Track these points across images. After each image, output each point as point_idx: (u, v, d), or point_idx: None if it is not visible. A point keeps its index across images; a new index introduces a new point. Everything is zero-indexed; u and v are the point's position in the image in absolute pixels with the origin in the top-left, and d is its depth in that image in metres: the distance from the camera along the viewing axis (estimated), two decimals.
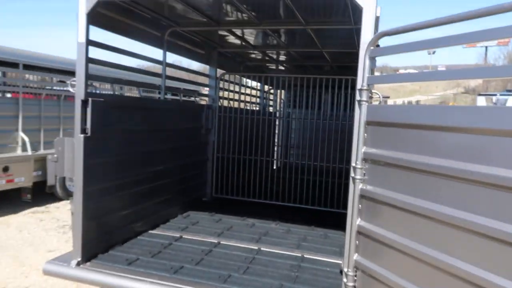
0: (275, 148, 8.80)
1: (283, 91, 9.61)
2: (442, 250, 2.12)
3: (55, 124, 8.51)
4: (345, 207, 5.47)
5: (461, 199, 2.04)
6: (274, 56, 7.06)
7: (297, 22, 4.39)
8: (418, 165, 2.29)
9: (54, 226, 6.98)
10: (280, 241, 4.23)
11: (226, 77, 6.50)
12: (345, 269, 2.80)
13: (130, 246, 3.94)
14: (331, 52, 6.08)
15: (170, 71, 5.16)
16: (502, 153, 1.87)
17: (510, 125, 1.83)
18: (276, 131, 8.64)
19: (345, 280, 2.82)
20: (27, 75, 8.46)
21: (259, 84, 8.91)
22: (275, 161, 8.77)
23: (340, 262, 3.43)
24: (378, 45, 2.77)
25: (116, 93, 9.56)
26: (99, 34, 3.67)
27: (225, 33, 5.34)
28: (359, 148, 2.72)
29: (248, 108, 7.19)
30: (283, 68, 8.29)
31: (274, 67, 8.31)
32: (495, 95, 19.76)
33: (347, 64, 7.08)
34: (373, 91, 2.78)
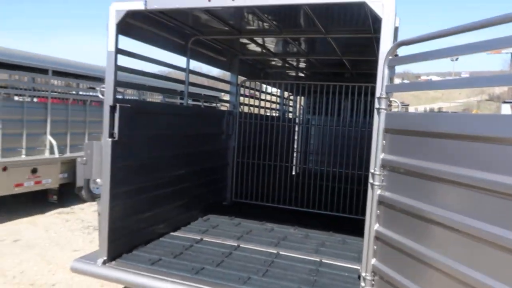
0: (294, 154, 8.86)
1: (302, 97, 9.68)
2: (461, 260, 2.08)
3: (81, 128, 8.80)
4: (363, 213, 5.50)
5: (482, 210, 1.98)
6: (294, 63, 7.15)
7: (318, 30, 4.48)
8: (436, 173, 2.27)
9: (79, 227, 7.21)
10: (299, 246, 4.29)
11: (247, 83, 6.62)
12: (363, 274, 2.85)
13: (153, 247, 4.07)
14: (351, 59, 6.13)
15: (192, 78, 5.32)
16: None
17: None
18: (295, 137, 8.71)
19: (362, 284, 2.86)
20: (55, 81, 8.80)
21: (278, 90, 9.01)
22: (294, 167, 8.83)
23: (358, 267, 3.47)
24: (396, 55, 2.83)
25: (140, 98, 9.81)
26: (122, 42, 3.82)
27: (247, 41, 5.46)
28: (378, 155, 2.78)
29: (268, 114, 7.28)
30: (302, 75, 8.37)
31: (293, 74, 8.40)
32: None
33: (367, 71, 7.12)
34: (391, 99, 2.83)
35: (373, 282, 2.80)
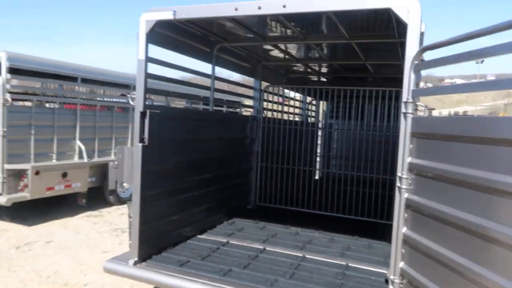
0: (317, 159, 8.88)
1: (325, 102, 9.70)
2: (492, 268, 2.04)
3: (108, 133, 9.06)
4: (388, 218, 5.48)
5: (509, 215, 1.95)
6: (316, 68, 7.19)
7: (341, 36, 4.52)
8: (464, 177, 2.26)
9: (108, 229, 7.42)
10: (324, 249, 4.32)
11: (270, 89, 6.71)
12: (391, 277, 2.87)
13: (181, 249, 4.17)
14: (374, 64, 6.14)
15: (216, 84, 5.43)
16: None
17: None
18: (318, 142, 8.73)
19: (391, 287, 2.88)
20: (80, 88, 9.11)
21: (301, 95, 9.06)
22: (317, 171, 8.84)
23: (385, 271, 3.48)
24: (422, 59, 2.85)
25: (166, 104, 10.03)
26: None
27: (270, 47, 5.55)
28: (405, 159, 2.80)
29: (291, 119, 7.34)
30: (324, 79, 8.40)
31: (315, 79, 8.44)
32: None
33: (390, 75, 7.09)
34: (418, 103, 2.86)
35: (401, 286, 2.82)
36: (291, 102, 8.13)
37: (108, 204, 9.12)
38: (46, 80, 7.97)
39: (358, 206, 5.82)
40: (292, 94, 8.37)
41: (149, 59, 3.81)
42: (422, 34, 2.84)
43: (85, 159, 8.25)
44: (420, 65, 2.81)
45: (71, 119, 8.19)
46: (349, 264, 3.91)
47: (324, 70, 7.36)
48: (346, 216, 5.80)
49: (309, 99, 9.51)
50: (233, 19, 4.14)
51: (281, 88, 7.14)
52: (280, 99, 7.15)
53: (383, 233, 4.95)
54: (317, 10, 3.10)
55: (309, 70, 7.26)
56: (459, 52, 2.45)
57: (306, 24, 4.34)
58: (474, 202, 2.21)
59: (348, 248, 4.42)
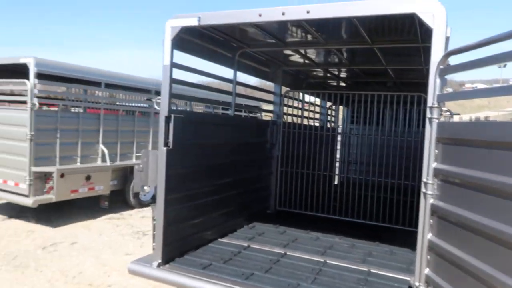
0: (337, 164, 8.84)
1: (346, 107, 9.65)
2: None
3: (129, 137, 9.24)
4: (410, 224, 5.42)
5: None
6: (336, 73, 7.18)
7: (363, 41, 4.52)
8: (492, 184, 2.22)
9: (129, 232, 7.55)
10: (346, 255, 4.30)
11: (290, 94, 6.73)
12: (416, 283, 2.84)
13: (203, 252, 4.22)
14: (395, 68, 6.09)
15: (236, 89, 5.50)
16: None
17: None
18: (338, 147, 8.69)
19: None
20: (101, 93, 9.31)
21: (319, 100, 9.03)
22: (336, 176, 8.80)
23: (408, 278, 3.44)
24: (448, 64, 2.84)
25: (188, 109, 10.17)
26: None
27: (290, 52, 5.58)
28: (430, 164, 2.78)
29: (311, 124, 7.35)
30: (344, 84, 8.37)
31: (334, 83, 8.42)
32: None
33: (412, 80, 7.02)
34: (443, 108, 2.84)
35: None
36: (311, 107, 8.13)
37: (129, 207, 9.28)
38: (71, 85, 8.20)
39: (379, 212, 5.77)
40: (311, 99, 8.37)
41: (174, 65, 3.89)
42: (447, 38, 2.83)
43: (108, 163, 8.43)
44: (446, 69, 2.80)
45: (94, 123, 8.39)
46: (371, 270, 3.89)
47: (343, 74, 7.34)
48: (367, 222, 5.76)
49: (328, 104, 9.49)
50: (255, 25, 4.19)
51: (301, 93, 7.15)
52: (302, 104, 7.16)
53: (404, 239, 4.90)
54: (341, 16, 3.12)
55: (328, 74, 7.25)
56: (484, 56, 2.43)
57: (327, 29, 4.36)
58: (503, 210, 2.17)
59: (370, 254, 4.39)
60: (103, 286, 5.10)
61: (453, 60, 2.92)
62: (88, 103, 8.67)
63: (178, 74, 4.02)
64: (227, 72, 5.37)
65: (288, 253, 4.30)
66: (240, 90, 6.70)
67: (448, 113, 2.77)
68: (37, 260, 5.94)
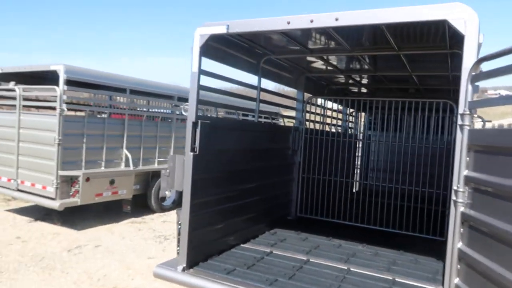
0: (358, 171, 8.76)
1: (367, 113, 9.58)
2: None
3: (152, 143, 9.38)
4: (434, 233, 5.32)
5: None
6: (358, 79, 7.15)
7: (390, 48, 4.49)
8: None
9: (151, 236, 7.64)
10: (369, 263, 4.25)
11: (313, 100, 6.73)
12: None
13: (226, 257, 4.24)
14: (420, 75, 6.03)
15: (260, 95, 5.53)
16: None
17: None
18: (359, 154, 8.61)
19: None
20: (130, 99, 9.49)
21: (339, 106, 8.99)
22: (357, 183, 8.72)
23: None
24: (480, 70, 2.80)
25: (213, 115, 10.28)
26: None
27: (314, 59, 5.59)
28: (461, 172, 2.74)
29: (334, 130, 7.32)
30: (365, 90, 8.32)
31: (356, 90, 8.37)
32: None
33: (436, 86, 6.93)
34: (475, 115, 2.80)
35: None
36: (333, 114, 8.10)
37: (150, 211, 9.40)
38: (98, 91, 8.40)
39: (403, 221, 5.69)
40: (332, 105, 8.34)
41: (202, 72, 3.95)
42: (479, 45, 2.80)
43: (131, 167, 8.58)
44: (478, 76, 2.76)
45: (119, 128, 8.56)
46: (396, 279, 3.83)
47: (365, 81, 7.30)
48: (391, 230, 5.68)
49: (349, 110, 9.43)
50: (282, 32, 4.22)
51: (323, 99, 7.14)
52: (325, 111, 7.14)
53: (428, 248, 4.81)
54: (370, 23, 3.12)
55: (350, 81, 7.22)
56: None
57: (354, 36, 4.35)
58: None
59: (394, 262, 4.33)
60: None
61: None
62: (114, 109, 8.85)
63: (202, 80, 4.09)
64: (250, 78, 5.42)
65: (311, 259, 4.28)
66: (264, 96, 6.74)
67: (482, 120, 2.72)
68: (63, 262, 6.07)
